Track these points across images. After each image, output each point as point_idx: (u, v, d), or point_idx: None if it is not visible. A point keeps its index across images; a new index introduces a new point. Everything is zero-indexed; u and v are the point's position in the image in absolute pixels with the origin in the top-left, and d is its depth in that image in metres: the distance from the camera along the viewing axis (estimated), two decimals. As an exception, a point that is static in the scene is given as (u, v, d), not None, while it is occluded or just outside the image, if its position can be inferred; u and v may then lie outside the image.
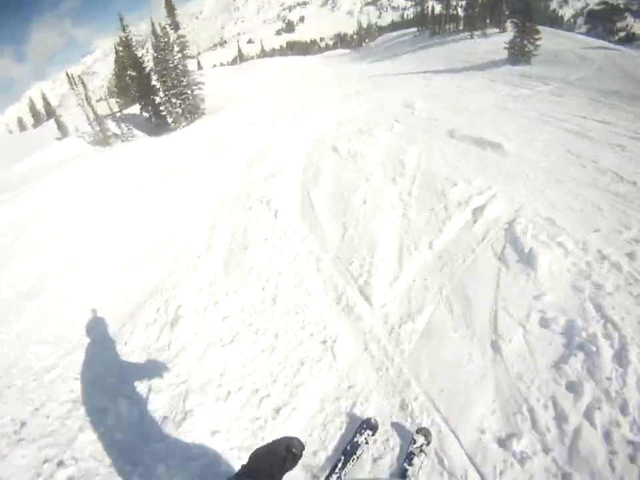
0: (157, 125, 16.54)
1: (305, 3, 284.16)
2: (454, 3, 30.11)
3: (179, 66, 15.30)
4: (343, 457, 1.88)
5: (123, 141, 15.12)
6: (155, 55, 15.17)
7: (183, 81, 15.40)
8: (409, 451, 1.86)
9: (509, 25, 27.46)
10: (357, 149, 6.35)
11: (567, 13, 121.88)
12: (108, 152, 12.90)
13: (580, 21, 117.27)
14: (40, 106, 42.98)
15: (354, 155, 6.16)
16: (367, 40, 43.18)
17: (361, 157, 6.01)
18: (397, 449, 1.96)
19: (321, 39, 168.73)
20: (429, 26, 29.86)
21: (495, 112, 7.89)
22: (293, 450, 0.87)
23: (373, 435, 1.97)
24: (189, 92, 15.54)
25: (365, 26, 48.05)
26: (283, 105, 12.69)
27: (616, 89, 8.59)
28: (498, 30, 27.12)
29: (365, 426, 1.99)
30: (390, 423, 2.09)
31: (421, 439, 1.87)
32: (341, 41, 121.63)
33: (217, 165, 7.54)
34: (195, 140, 11.01)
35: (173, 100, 15.26)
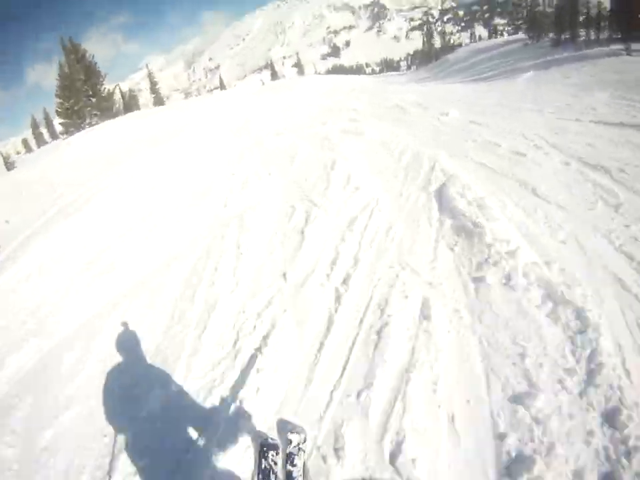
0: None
1: (350, 27, 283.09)
2: None
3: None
4: None
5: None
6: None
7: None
8: (287, 452, 1.81)
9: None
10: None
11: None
12: None
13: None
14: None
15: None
16: (436, 57, 32.57)
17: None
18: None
19: (367, 65, 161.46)
20: (547, 33, 18.67)
21: None
22: None
23: (277, 454, 1.83)
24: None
25: (439, 45, 37.42)
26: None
27: None
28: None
29: (265, 449, 1.84)
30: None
31: (296, 438, 1.84)
32: (387, 66, 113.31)
33: None
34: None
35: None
